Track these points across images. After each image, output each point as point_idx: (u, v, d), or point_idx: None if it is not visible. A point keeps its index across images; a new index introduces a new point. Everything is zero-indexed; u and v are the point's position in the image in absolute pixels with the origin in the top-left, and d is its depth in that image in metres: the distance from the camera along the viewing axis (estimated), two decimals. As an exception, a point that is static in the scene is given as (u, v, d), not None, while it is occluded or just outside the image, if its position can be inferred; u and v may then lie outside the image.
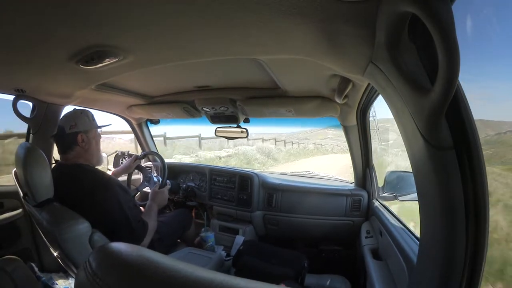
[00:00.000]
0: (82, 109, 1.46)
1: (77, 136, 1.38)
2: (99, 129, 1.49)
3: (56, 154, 1.53)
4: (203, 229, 1.92)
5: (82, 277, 0.40)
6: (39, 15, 0.67)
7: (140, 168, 2.05)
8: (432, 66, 0.49)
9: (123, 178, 2.20)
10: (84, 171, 1.36)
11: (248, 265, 1.52)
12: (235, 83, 1.47)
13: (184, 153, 9.56)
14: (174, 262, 0.40)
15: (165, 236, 1.63)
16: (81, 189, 1.29)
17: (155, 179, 2.00)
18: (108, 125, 1.65)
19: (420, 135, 0.53)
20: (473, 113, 0.52)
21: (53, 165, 1.47)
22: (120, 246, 0.44)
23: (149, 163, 2.43)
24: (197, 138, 11.20)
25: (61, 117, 1.43)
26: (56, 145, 1.43)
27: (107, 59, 0.93)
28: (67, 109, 1.61)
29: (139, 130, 2.37)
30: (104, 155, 1.68)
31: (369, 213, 1.73)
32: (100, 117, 1.73)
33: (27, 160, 1.17)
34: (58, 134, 1.39)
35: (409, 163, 0.64)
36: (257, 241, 1.98)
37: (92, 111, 1.51)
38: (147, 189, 2.03)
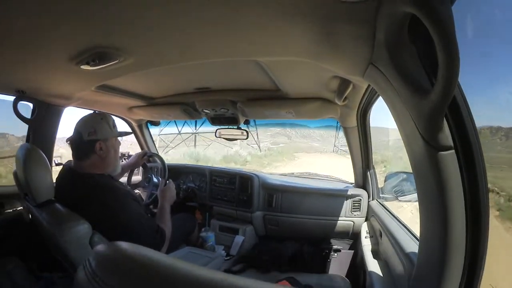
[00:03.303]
0: (103, 114, 1.37)
1: (95, 144, 1.28)
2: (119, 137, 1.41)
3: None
4: (203, 229, 1.92)
5: (81, 277, 0.40)
6: (40, 16, 0.67)
7: (145, 166, 2.04)
8: (432, 66, 0.49)
9: (123, 178, 2.21)
10: (99, 185, 1.26)
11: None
12: (235, 84, 1.47)
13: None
14: (174, 261, 0.40)
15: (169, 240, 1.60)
16: (96, 205, 1.21)
17: (155, 180, 1.99)
18: (130, 133, 1.57)
19: (420, 136, 0.53)
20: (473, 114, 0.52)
21: (61, 168, 1.44)
22: (120, 245, 0.44)
23: (149, 164, 2.43)
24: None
25: (80, 121, 1.33)
26: (72, 149, 1.33)
27: (107, 61, 0.92)
28: (68, 110, 1.61)
29: (140, 131, 2.37)
30: None
31: (369, 213, 1.73)
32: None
33: (27, 161, 1.17)
34: (75, 140, 1.30)
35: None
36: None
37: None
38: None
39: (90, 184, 1.26)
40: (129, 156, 2.39)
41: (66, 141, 1.35)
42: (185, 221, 1.92)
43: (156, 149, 2.53)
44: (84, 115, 1.37)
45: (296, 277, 1.52)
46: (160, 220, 1.45)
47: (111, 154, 1.34)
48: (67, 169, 1.36)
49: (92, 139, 1.28)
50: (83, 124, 1.30)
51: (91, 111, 1.47)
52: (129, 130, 2.40)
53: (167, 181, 1.94)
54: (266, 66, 1.09)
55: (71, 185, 1.28)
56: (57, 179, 1.30)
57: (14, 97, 1.39)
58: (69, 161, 1.40)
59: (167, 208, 1.53)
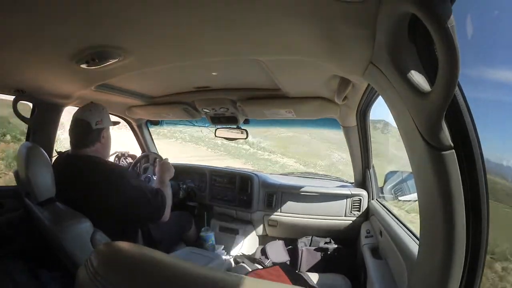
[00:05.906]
0: (102, 105, 1.43)
1: (102, 132, 1.36)
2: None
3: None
4: (203, 229, 1.92)
5: (83, 275, 0.41)
6: (39, 15, 0.67)
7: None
8: (432, 66, 0.49)
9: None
10: (95, 163, 1.32)
11: None
12: (235, 84, 1.47)
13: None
14: (175, 260, 0.40)
15: (165, 238, 1.62)
16: (94, 178, 1.27)
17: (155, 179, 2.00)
18: (118, 123, 1.65)
19: (420, 136, 0.53)
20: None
21: (56, 157, 1.46)
22: (121, 244, 0.45)
23: (148, 163, 2.43)
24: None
25: (84, 111, 1.37)
26: (76, 139, 1.36)
27: (107, 60, 0.92)
28: (67, 109, 1.61)
29: (139, 131, 2.37)
30: None
31: (369, 213, 1.73)
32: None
33: (29, 159, 1.17)
34: (82, 129, 1.34)
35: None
36: None
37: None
38: None
39: (89, 163, 1.32)
40: (130, 155, 2.39)
41: (69, 131, 1.38)
42: (182, 217, 1.93)
43: (156, 148, 2.52)
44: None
45: None
46: (160, 187, 1.48)
47: (109, 142, 1.44)
48: (63, 156, 1.41)
49: (99, 127, 1.35)
50: (90, 114, 1.36)
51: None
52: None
53: None
54: (266, 65, 1.09)
55: (66, 168, 1.32)
56: (55, 166, 1.31)
57: (14, 97, 1.39)
58: (67, 151, 1.43)
59: (166, 179, 1.55)
